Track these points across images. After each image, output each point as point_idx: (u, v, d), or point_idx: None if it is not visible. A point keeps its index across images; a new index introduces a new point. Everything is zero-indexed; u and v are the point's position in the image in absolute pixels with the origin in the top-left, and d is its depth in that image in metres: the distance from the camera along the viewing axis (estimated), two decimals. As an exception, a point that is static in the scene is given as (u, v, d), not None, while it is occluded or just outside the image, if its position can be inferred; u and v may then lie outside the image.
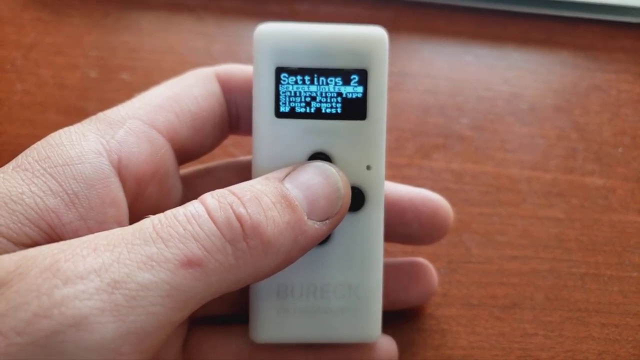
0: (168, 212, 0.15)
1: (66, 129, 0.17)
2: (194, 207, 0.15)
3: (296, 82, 0.18)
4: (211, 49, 0.34)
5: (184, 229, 0.14)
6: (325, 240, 0.19)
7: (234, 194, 0.15)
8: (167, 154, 0.18)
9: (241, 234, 0.15)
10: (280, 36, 0.18)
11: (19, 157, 0.16)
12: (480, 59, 0.33)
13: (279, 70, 0.18)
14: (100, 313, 0.12)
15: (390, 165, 0.28)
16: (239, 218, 0.15)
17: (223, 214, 0.15)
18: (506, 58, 0.34)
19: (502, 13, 0.35)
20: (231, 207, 0.15)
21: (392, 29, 0.34)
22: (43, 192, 0.15)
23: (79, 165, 0.15)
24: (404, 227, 0.22)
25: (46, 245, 0.14)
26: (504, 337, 0.23)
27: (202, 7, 0.35)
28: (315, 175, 0.17)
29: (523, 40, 0.35)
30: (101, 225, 0.15)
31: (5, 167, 0.16)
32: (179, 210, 0.15)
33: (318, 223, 0.16)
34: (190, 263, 0.14)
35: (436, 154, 0.29)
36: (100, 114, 0.18)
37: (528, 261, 0.25)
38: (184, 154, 0.19)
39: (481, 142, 0.29)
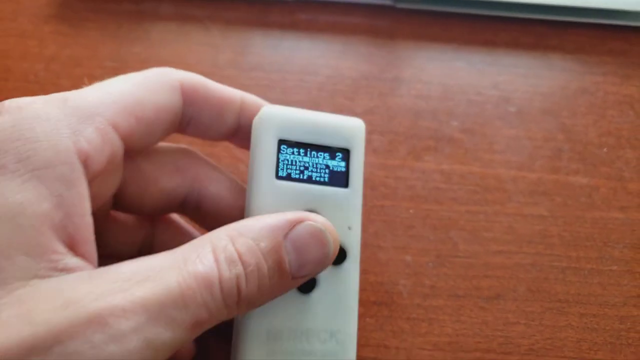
0: (188, 269, 0.16)
1: (35, 112, 0.17)
2: (209, 267, 0.17)
3: (293, 153, 0.21)
4: (217, 59, 0.36)
5: (201, 296, 0.16)
6: (310, 289, 0.21)
7: (241, 259, 0.17)
8: (120, 153, 0.20)
9: (236, 303, 0.17)
10: (283, 115, 0.22)
11: None
12: (471, 65, 0.35)
13: (280, 142, 0.21)
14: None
15: (383, 167, 0.30)
16: (239, 291, 0.17)
17: (229, 285, 0.17)
18: (497, 63, 0.35)
19: (494, 19, 0.37)
20: (237, 281, 0.17)
21: (388, 36, 0.36)
22: (36, 198, 0.16)
23: (59, 167, 0.16)
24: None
25: (83, 288, 0.15)
26: (487, 326, 0.25)
27: (208, 18, 0.37)
28: (313, 241, 0.19)
29: (514, 45, 0.36)
30: (82, 218, 0.17)
31: None
32: (198, 267, 0.16)
33: (299, 279, 0.19)
34: (198, 324, 0.16)
35: (427, 155, 0.31)
36: (70, 98, 0.18)
37: (512, 255, 0.27)
38: (129, 150, 0.21)
39: (470, 144, 0.31)
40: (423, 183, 0.29)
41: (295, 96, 0.34)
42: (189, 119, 0.22)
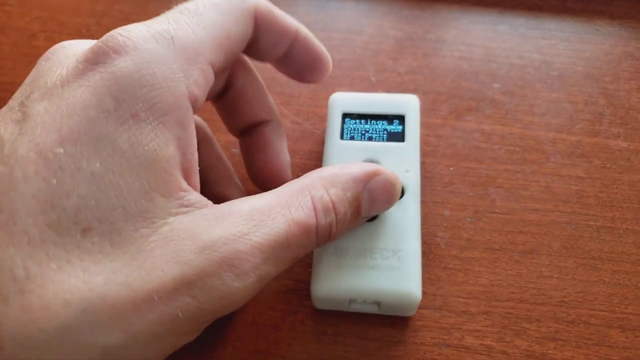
0: (293, 216, 0.19)
1: (152, 54, 0.18)
2: (309, 215, 0.19)
3: (355, 123, 0.28)
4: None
5: (300, 240, 0.19)
6: (374, 217, 0.24)
7: (334, 208, 0.20)
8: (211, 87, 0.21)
9: (325, 241, 0.20)
10: (346, 96, 0.28)
11: (122, 97, 0.17)
12: (515, 28, 0.35)
13: (344, 115, 0.28)
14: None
15: (425, 125, 0.31)
16: (329, 234, 0.20)
17: (323, 231, 0.20)
18: (541, 27, 0.35)
19: (540, -17, 0.36)
20: (329, 228, 0.20)
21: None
22: (165, 143, 0.17)
23: (177, 112, 0.18)
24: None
25: (213, 232, 0.17)
26: (521, 278, 0.26)
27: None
28: (384, 192, 0.22)
29: (560, 9, 0.36)
30: (192, 155, 0.19)
31: (115, 112, 0.17)
32: (300, 215, 0.19)
33: (366, 217, 0.23)
34: (294, 260, 0.19)
35: (468, 115, 0.31)
36: (176, 37, 0.19)
37: (548, 214, 0.28)
38: None
39: (511, 105, 0.32)
40: (463, 142, 0.30)
41: (339, 54, 0.34)
42: (251, 42, 0.23)
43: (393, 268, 0.24)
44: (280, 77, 0.34)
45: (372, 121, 0.28)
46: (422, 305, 0.25)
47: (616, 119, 0.31)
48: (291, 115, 0.32)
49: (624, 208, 0.28)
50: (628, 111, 0.31)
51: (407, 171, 0.26)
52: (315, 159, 0.30)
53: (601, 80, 0.33)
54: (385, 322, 0.25)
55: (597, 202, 0.28)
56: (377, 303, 0.24)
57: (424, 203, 0.28)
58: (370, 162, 0.26)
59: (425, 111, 0.32)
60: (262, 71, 0.34)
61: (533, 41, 0.35)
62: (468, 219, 0.28)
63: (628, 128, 0.31)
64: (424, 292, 0.26)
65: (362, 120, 0.28)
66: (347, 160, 0.26)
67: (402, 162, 0.26)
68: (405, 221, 0.25)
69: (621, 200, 0.28)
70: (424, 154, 0.30)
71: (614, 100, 0.32)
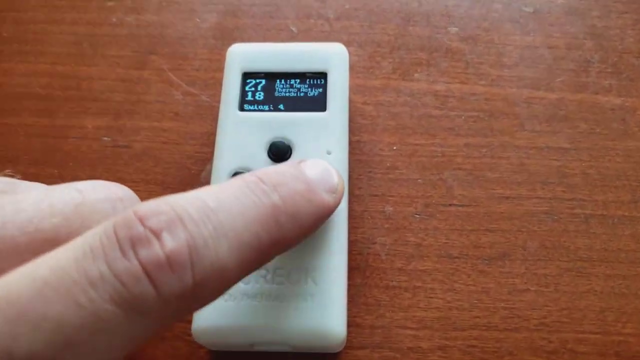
0: None
1: None
2: None
3: (259, 84, 0.21)
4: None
5: None
6: None
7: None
8: None
9: None
10: (249, 50, 0.22)
11: None
12: (477, -50, 0.27)
13: (245, 75, 0.21)
14: None
15: (361, 89, 0.24)
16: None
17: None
18: (510, -53, 0.27)
19: None
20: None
21: None
22: None
23: None
24: None
25: None
26: (487, 295, 0.20)
27: None
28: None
29: None
30: None
31: None
32: None
33: None
34: None
35: (417, 72, 0.24)
36: None
37: (522, 202, 0.21)
38: None
39: (473, 56, 0.25)
40: (411, 109, 0.23)
41: (252, -2, 0.26)
42: None
43: (305, 295, 0.17)
44: (170, 33, 0.26)
45: (282, 82, 0.21)
46: (357, 344, 0.19)
47: (607, 67, 0.24)
48: (183, 85, 0.24)
49: (619, 187, 0.22)
50: (621, 55, 0.25)
51: (328, 153, 0.20)
52: (214, 145, 0.23)
53: (587, 15, 0.26)
54: (307, 367, 0.18)
55: (584, 182, 0.22)
56: (287, 344, 0.17)
57: (357, 197, 0.21)
58: (278, 144, 0.20)
59: (360, 69, 0.24)
60: (149, 26, 0.26)
61: (500, -33, 0.27)
62: (417, 216, 0.21)
63: (622, 78, 0.24)
64: (358, 325, 0.19)
65: (269, 81, 0.21)
66: (246, 141, 0.20)
67: (322, 141, 0.20)
68: (324, 226, 0.18)
69: (615, 177, 0.22)
70: (358, 128, 0.23)
71: (604, 41, 0.25)
